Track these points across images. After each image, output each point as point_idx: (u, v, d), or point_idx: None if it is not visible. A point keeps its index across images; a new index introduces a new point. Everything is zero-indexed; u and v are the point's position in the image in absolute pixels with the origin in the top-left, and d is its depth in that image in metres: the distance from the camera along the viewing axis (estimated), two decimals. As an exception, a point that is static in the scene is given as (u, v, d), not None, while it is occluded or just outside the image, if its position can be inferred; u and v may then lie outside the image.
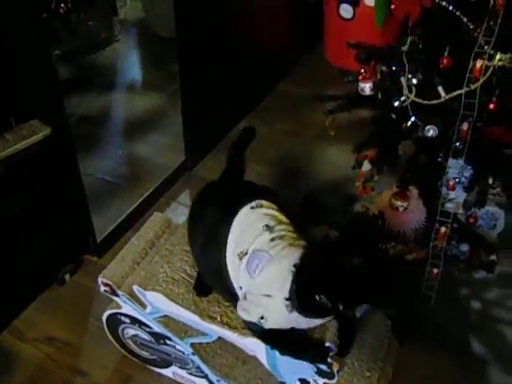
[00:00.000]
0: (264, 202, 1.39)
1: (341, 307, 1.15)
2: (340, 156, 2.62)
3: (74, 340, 1.82)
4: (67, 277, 2.02)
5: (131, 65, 3.42)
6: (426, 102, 1.70)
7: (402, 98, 1.77)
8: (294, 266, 1.22)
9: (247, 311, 1.30)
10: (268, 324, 1.26)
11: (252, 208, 1.38)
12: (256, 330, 1.31)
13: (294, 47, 3.51)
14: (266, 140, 2.86)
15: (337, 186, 2.45)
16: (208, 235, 1.42)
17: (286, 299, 1.22)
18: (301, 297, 1.19)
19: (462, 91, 1.59)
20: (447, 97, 1.64)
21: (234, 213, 1.36)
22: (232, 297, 1.37)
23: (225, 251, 1.34)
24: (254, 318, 1.27)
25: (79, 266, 2.07)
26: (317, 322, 1.27)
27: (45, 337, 1.82)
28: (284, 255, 1.27)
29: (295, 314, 1.22)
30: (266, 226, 1.34)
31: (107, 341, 1.73)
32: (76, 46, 3.26)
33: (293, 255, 1.25)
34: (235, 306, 1.41)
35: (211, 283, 1.48)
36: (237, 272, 1.32)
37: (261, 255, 1.29)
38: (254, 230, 1.33)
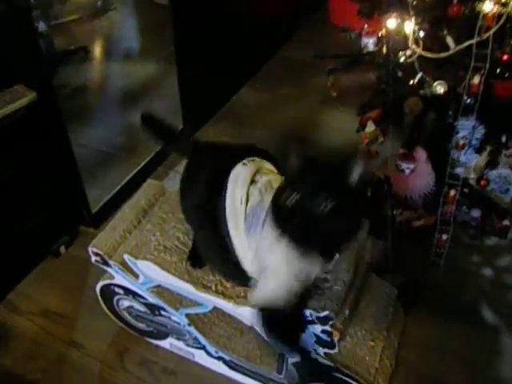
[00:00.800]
0: (255, 158, 1.30)
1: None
2: (344, 121, 2.51)
3: (69, 312, 1.77)
4: (62, 249, 1.96)
5: (128, 33, 3.31)
6: (434, 55, 1.59)
7: (408, 53, 1.66)
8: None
9: (259, 288, 1.20)
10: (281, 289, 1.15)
11: (244, 164, 1.28)
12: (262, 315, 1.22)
13: (297, 9, 3.36)
14: (267, 105, 2.78)
15: (341, 151, 2.35)
16: (203, 210, 1.31)
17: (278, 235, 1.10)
18: (276, 212, 1.09)
19: (473, 41, 1.47)
20: (457, 48, 1.53)
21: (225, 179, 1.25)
22: (236, 272, 1.26)
23: (226, 223, 1.23)
24: (266, 292, 1.17)
25: (75, 237, 2.01)
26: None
27: (40, 310, 1.77)
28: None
29: (295, 256, 1.10)
30: (253, 181, 1.24)
31: (103, 313, 1.67)
32: (71, 15, 3.17)
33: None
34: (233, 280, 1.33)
35: (210, 259, 1.38)
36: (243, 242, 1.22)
37: (254, 210, 1.19)
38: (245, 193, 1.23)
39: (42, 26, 2.73)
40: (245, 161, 1.27)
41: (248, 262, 1.21)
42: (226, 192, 1.24)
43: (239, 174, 1.24)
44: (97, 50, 3.11)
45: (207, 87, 2.55)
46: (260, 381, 1.50)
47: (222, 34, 2.56)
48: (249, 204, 1.21)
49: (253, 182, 1.23)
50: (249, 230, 1.19)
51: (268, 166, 1.31)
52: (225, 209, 1.22)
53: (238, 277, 1.29)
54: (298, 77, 2.96)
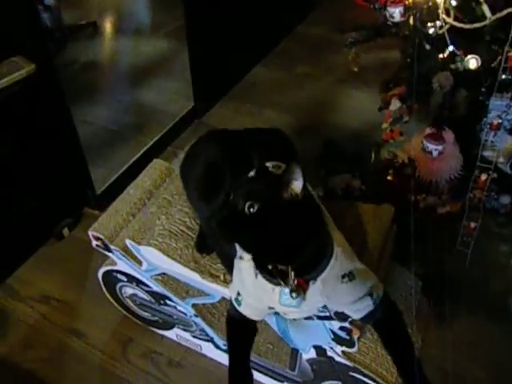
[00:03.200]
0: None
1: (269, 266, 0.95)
2: (365, 101, 2.38)
3: (71, 299, 1.68)
4: (66, 231, 1.86)
5: (138, 8, 3.18)
6: (467, 26, 1.44)
7: (439, 24, 1.52)
8: None
9: (231, 286, 1.12)
10: (242, 302, 1.06)
11: None
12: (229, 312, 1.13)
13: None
14: (283, 85, 2.65)
15: (361, 133, 2.21)
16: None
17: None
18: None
19: (512, 10, 1.33)
20: (493, 18, 1.39)
21: None
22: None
23: None
24: (233, 294, 1.09)
25: (79, 220, 1.91)
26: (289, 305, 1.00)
27: (40, 295, 1.69)
28: None
29: (261, 281, 1.00)
30: None
31: (106, 300, 1.58)
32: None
33: None
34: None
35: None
36: None
37: None
38: None
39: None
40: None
41: None
42: None
43: None
44: (107, 26, 2.99)
45: (219, 65, 2.43)
46: (271, 377, 1.39)
47: (236, 10, 2.42)
48: None
49: None
50: None
51: None
52: None
53: None
54: (315, 55, 2.82)
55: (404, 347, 1.06)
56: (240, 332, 1.13)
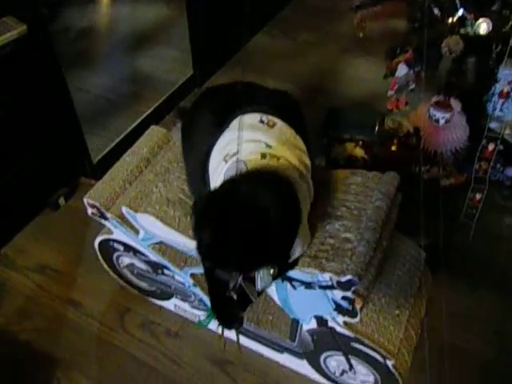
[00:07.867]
0: (278, 122, 1.14)
1: None
2: (370, 70, 2.31)
3: (67, 269, 1.66)
4: (62, 201, 1.83)
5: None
6: (478, -12, 1.39)
7: (449, -14, 1.46)
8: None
9: None
10: None
11: (262, 122, 1.14)
12: None
13: None
14: (286, 53, 2.57)
15: (365, 102, 2.15)
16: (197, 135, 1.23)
17: None
18: None
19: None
20: (507, -20, 1.33)
21: (232, 116, 1.12)
22: None
23: (211, 150, 1.14)
24: None
25: (75, 189, 1.88)
26: None
27: (36, 265, 1.66)
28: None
29: None
30: (266, 144, 1.09)
31: (103, 270, 1.55)
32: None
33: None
34: None
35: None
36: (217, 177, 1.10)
37: (239, 165, 1.05)
38: (252, 140, 1.10)
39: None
40: (264, 118, 1.13)
41: None
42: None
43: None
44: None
45: (220, 31, 2.35)
46: (271, 348, 1.37)
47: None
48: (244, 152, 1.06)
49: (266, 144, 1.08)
50: None
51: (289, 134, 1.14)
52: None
53: None
54: (318, 23, 2.73)
55: None
56: None
